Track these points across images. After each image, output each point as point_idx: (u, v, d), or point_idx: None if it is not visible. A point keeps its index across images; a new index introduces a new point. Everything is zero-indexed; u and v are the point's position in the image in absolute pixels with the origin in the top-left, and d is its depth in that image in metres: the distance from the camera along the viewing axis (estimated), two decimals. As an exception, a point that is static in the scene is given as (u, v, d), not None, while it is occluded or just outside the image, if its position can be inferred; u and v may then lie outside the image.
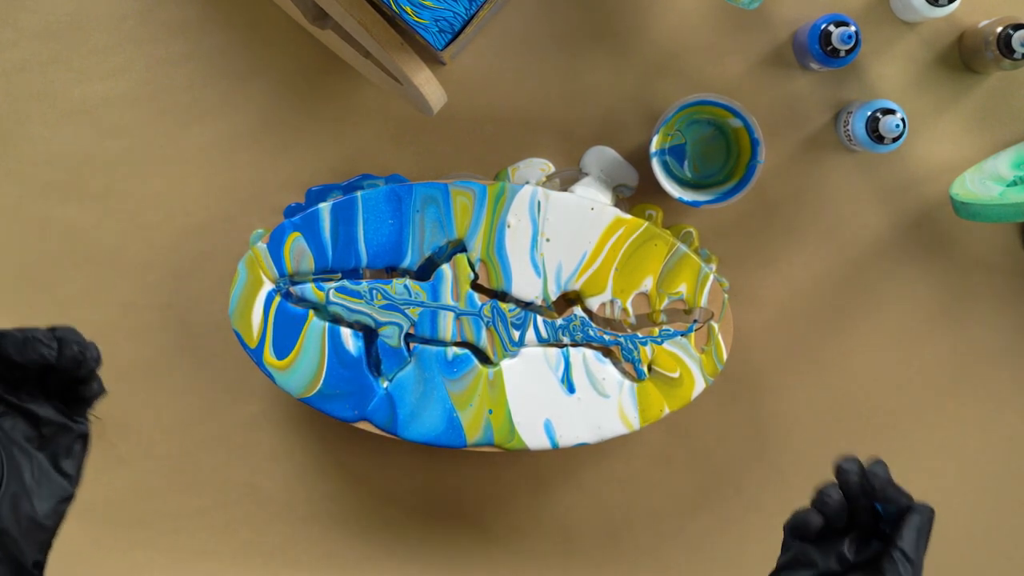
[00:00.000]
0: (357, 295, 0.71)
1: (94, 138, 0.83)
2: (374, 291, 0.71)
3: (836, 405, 0.85)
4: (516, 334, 0.72)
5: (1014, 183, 0.75)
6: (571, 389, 0.72)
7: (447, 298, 0.71)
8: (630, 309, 0.73)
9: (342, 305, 0.71)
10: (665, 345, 0.73)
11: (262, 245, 0.72)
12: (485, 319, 0.72)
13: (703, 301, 0.73)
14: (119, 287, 0.84)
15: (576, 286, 0.72)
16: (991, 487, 0.86)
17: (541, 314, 0.73)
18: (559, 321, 0.72)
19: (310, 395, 0.72)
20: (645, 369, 0.84)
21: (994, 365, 0.85)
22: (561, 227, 0.72)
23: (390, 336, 0.71)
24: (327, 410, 0.72)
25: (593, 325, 0.73)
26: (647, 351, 0.73)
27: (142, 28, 0.82)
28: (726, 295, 0.73)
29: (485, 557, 0.87)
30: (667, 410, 0.73)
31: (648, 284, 0.72)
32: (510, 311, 0.72)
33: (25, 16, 0.82)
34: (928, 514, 0.56)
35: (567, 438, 0.73)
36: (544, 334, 0.72)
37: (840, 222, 0.83)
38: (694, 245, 0.83)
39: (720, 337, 0.73)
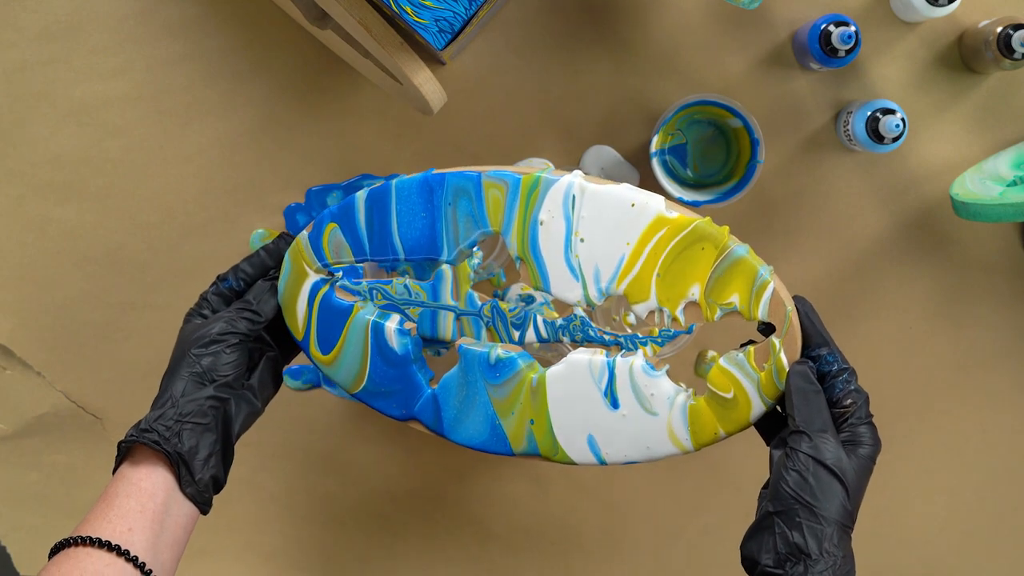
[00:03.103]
0: (357, 295, 0.71)
1: (94, 138, 0.83)
2: (374, 291, 0.71)
3: (836, 405, 0.85)
4: (516, 334, 0.72)
5: (1014, 183, 0.75)
6: (615, 404, 0.66)
7: (447, 298, 0.71)
8: (681, 319, 0.65)
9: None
10: (721, 361, 0.65)
11: (304, 235, 0.70)
12: (485, 319, 0.71)
13: (760, 313, 0.64)
14: (119, 287, 0.84)
15: (619, 291, 0.66)
16: (991, 487, 0.86)
17: (542, 313, 0.72)
18: (559, 321, 0.72)
19: (358, 391, 0.69)
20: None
21: (994, 365, 0.85)
22: (596, 226, 0.65)
23: (390, 336, 0.71)
24: (377, 407, 0.69)
25: (593, 325, 0.72)
26: (647, 351, 0.73)
27: (142, 28, 0.82)
28: (790, 310, 0.64)
29: (485, 557, 0.87)
30: (723, 433, 0.65)
31: (696, 293, 0.64)
32: (510, 311, 0.71)
33: (25, 16, 0.82)
34: (805, 306, 0.65)
35: (613, 456, 0.67)
36: (544, 334, 0.72)
37: (840, 222, 0.83)
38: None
39: (783, 355, 0.63)
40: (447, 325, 0.71)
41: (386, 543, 0.87)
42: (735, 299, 0.64)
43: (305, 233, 0.69)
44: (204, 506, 0.62)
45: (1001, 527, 0.86)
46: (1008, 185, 0.75)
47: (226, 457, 0.63)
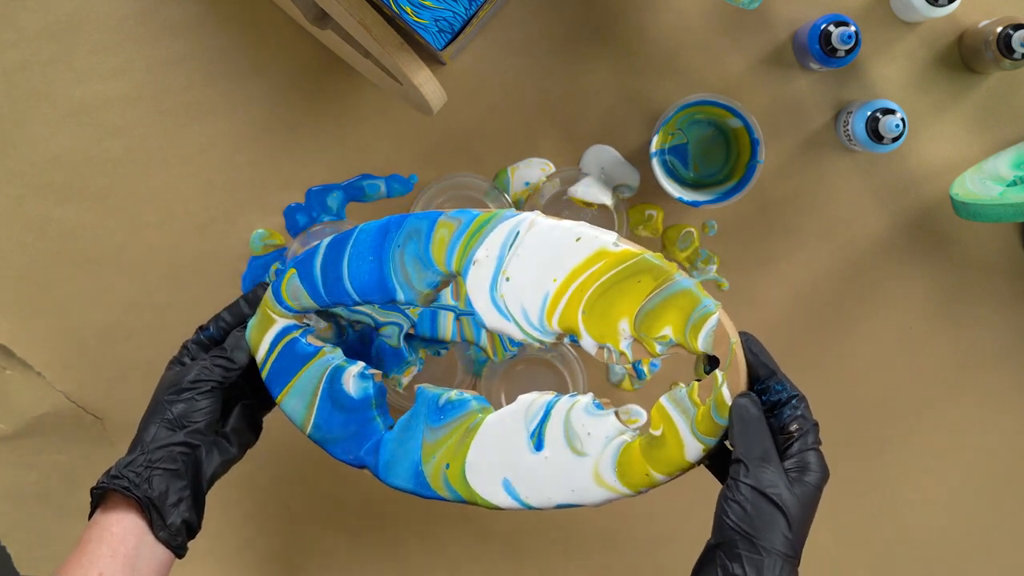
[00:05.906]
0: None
1: (94, 138, 0.83)
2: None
3: (836, 405, 0.85)
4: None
5: (1014, 183, 0.75)
6: (539, 446, 0.62)
7: (447, 298, 0.71)
8: (628, 353, 0.61)
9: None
10: (661, 399, 0.60)
11: (272, 281, 0.69)
12: (485, 319, 0.71)
13: (702, 345, 0.59)
14: (119, 287, 0.84)
15: (554, 328, 0.62)
16: (991, 487, 0.86)
17: None
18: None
19: (308, 434, 0.67)
20: (646, 370, 0.84)
21: (994, 365, 0.85)
22: (528, 263, 0.61)
23: (390, 336, 0.71)
24: (330, 452, 0.67)
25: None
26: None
27: (142, 28, 0.82)
28: (733, 341, 0.58)
29: (485, 557, 0.87)
30: (657, 475, 0.60)
31: (625, 327, 0.60)
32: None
33: (25, 16, 0.82)
34: (748, 339, 0.59)
35: (537, 499, 0.63)
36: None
37: (840, 222, 0.83)
38: (694, 245, 0.83)
39: (725, 389, 0.58)
40: (447, 325, 0.71)
41: (386, 543, 0.87)
42: (668, 331, 0.59)
43: (271, 280, 0.68)
44: (178, 549, 0.62)
45: (1001, 527, 0.86)
46: (1008, 185, 0.75)
47: (197, 502, 0.63)
